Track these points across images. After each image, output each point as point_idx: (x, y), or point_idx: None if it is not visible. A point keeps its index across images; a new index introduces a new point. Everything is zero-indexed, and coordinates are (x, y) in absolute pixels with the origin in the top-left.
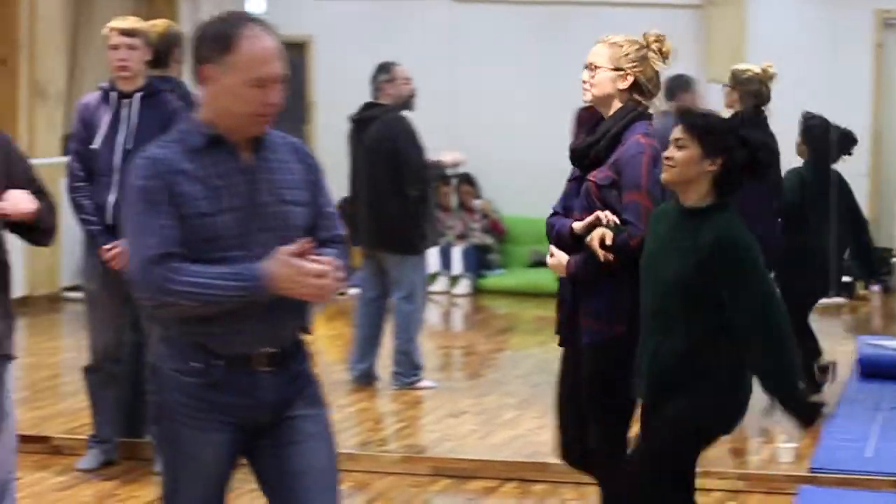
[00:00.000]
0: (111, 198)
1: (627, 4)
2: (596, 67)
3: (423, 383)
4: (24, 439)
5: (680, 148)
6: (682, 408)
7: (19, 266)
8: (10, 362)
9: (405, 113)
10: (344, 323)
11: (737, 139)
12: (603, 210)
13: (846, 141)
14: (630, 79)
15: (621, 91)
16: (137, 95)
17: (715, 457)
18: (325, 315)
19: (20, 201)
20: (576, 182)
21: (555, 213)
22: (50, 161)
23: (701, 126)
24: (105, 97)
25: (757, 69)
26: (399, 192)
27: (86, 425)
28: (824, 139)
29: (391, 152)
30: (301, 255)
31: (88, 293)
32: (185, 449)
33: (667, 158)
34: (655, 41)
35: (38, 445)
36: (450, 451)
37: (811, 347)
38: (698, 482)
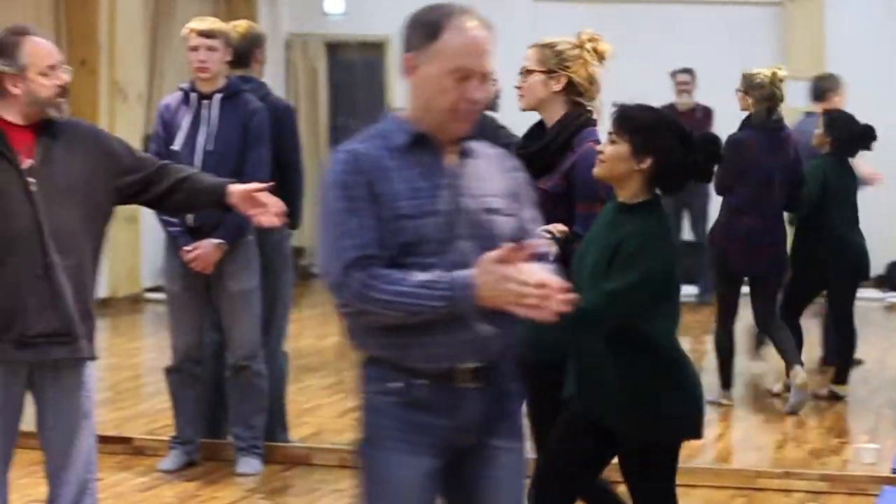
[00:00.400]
0: None
1: (706, 2)
2: (528, 72)
3: None
4: (107, 440)
5: (611, 143)
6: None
7: (101, 268)
8: (89, 364)
9: (489, 113)
10: None
11: (675, 138)
12: (554, 220)
13: (867, 136)
14: (563, 80)
15: (555, 93)
16: (217, 96)
17: (796, 458)
18: None
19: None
20: None
21: None
22: None
23: (632, 123)
24: (185, 98)
25: (767, 73)
26: None
27: (167, 426)
28: (848, 132)
29: None
30: (507, 261)
31: (170, 294)
32: (388, 475)
33: (598, 153)
34: (590, 40)
35: (120, 446)
36: None
37: (847, 343)
38: (780, 483)
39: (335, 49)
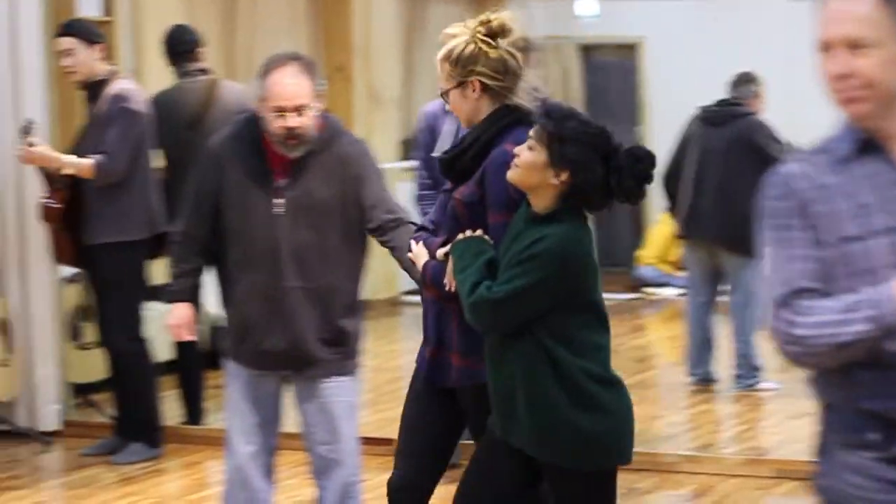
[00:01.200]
0: None
1: None
2: (446, 92)
3: (764, 385)
4: (369, 441)
5: (529, 149)
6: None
7: None
8: (345, 376)
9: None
10: (680, 324)
11: (597, 153)
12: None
13: None
14: (476, 84)
15: (478, 100)
16: None
17: None
18: (664, 316)
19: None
20: (447, 195)
21: (421, 229)
22: (388, 166)
23: (552, 131)
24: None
25: None
26: (754, 194)
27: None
28: None
29: (754, 152)
30: None
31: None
32: None
33: (514, 155)
34: (479, 26)
35: (383, 447)
36: (794, 453)
37: None
38: None
39: (588, 51)
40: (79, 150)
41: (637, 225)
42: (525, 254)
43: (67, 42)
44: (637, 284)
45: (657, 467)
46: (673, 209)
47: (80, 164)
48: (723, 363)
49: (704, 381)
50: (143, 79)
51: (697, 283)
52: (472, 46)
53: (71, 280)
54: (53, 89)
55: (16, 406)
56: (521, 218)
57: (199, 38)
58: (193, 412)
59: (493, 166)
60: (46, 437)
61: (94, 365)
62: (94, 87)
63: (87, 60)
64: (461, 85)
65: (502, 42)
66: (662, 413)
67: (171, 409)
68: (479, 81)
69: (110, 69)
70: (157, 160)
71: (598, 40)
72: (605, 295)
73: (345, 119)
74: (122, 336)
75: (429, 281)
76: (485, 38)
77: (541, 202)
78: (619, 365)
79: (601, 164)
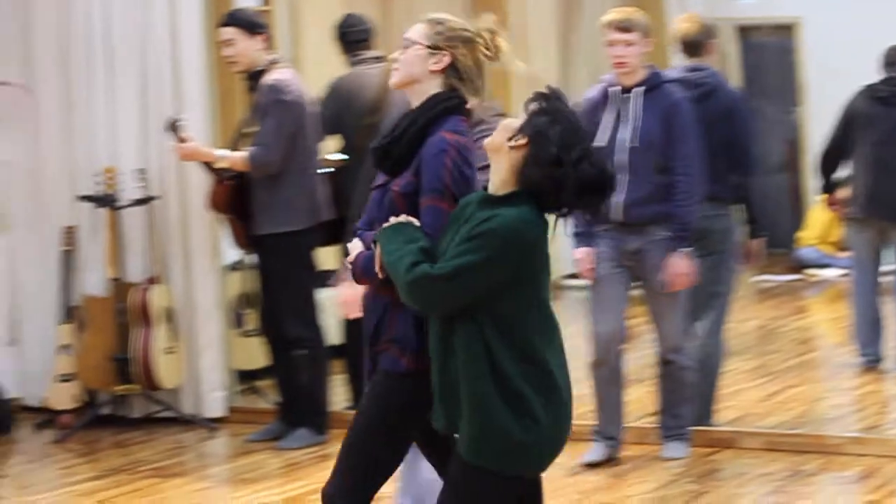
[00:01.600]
0: (619, 197)
1: None
2: (411, 44)
3: None
4: None
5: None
6: (465, 448)
7: None
8: None
9: None
10: (845, 304)
11: (564, 144)
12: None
13: None
14: (446, 60)
15: (433, 72)
16: (638, 90)
17: None
18: (826, 297)
19: None
20: (381, 189)
21: (357, 230)
22: None
23: (543, 105)
24: (606, 91)
25: None
26: None
27: (588, 412)
28: None
29: None
30: None
31: (596, 279)
32: None
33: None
34: (487, 31)
35: None
36: None
37: None
38: None
39: (746, 32)
40: (241, 140)
41: (797, 206)
42: (475, 231)
43: (229, 32)
44: (798, 266)
45: (823, 449)
46: (827, 189)
47: (234, 157)
48: (888, 343)
49: (875, 362)
50: (301, 67)
51: (865, 263)
52: (469, 35)
53: (233, 268)
54: (214, 80)
55: (181, 393)
56: (474, 203)
57: (373, 27)
58: (360, 397)
59: (429, 153)
60: (212, 424)
61: (258, 352)
62: (255, 77)
63: (248, 50)
64: (432, 48)
65: (491, 57)
66: (827, 394)
67: (335, 393)
68: (451, 61)
69: (271, 59)
70: (335, 147)
71: (755, 21)
72: (765, 276)
73: (503, 105)
74: (296, 324)
75: (359, 271)
76: (488, 43)
77: (497, 175)
78: (782, 346)
79: (556, 151)
